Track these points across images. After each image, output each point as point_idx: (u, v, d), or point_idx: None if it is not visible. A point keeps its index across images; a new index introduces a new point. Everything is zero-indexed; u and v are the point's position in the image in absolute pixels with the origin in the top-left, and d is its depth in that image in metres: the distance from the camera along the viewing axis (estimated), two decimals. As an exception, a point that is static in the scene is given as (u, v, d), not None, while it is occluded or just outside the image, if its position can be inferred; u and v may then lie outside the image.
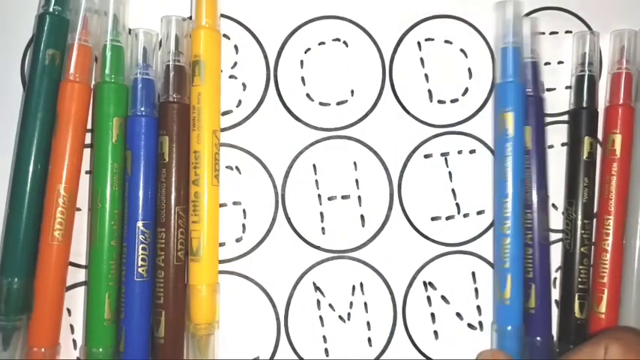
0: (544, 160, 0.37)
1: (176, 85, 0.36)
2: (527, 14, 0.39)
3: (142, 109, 0.35)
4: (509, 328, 0.36)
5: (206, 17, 0.35)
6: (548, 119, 0.38)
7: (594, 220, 0.38)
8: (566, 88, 0.39)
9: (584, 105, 0.37)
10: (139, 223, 0.34)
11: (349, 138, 0.38)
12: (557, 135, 0.39)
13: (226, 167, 0.37)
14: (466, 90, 0.39)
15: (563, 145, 0.39)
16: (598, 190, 0.38)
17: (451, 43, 0.39)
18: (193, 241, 0.35)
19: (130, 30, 0.36)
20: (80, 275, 0.36)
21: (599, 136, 0.38)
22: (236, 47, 0.38)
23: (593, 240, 0.37)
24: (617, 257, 0.37)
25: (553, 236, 0.38)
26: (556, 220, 0.38)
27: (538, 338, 0.36)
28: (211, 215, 0.35)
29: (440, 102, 0.38)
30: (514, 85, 0.36)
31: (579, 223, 0.37)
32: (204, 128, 0.35)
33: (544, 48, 0.39)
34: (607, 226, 0.37)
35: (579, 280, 0.37)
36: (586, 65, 0.38)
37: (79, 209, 0.35)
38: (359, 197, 0.38)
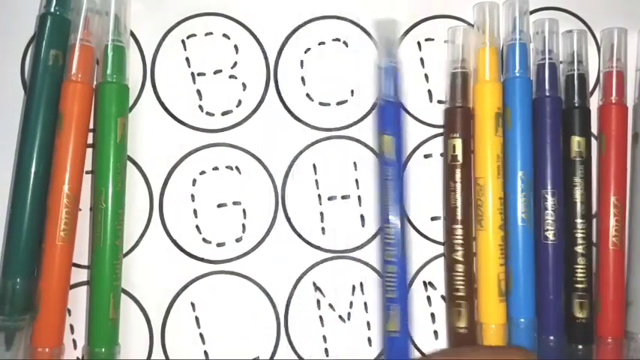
0: (558, 159, 0.37)
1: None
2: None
3: None
4: (521, 319, 0.36)
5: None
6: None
7: (593, 219, 0.37)
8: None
9: (576, 104, 0.37)
10: None
11: (349, 138, 0.38)
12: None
13: (226, 167, 0.37)
14: (466, 90, 0.39)
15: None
16: (596, 189, 0.38)
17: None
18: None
19: (131, 30, 0.37)
20: (80, 275, 0.36)
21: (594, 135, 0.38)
22: (236, 47, 0.38)
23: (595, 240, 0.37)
24: (618, 257, 0.37)
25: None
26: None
27: (551, 337, 0.36)
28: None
29: (440, 102, 0.39)
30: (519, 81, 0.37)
31: (574, 222, 0.37)
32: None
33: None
34: (606, 225, 0.37)
35: (575, 279, 0.36)
36: (575, 64, 0.38)
37: (79, 209, 0.35)
38: (359, 197, 0.38)
